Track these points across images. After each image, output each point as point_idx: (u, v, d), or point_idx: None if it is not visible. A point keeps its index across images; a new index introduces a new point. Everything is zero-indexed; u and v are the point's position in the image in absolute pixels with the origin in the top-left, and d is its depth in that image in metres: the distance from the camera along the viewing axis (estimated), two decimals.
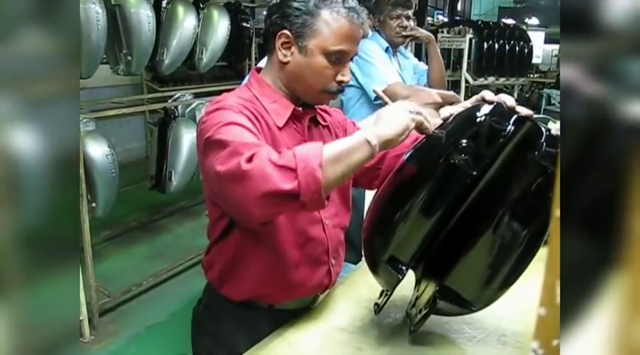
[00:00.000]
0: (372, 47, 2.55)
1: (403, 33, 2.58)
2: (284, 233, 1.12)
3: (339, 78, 1.15)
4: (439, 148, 0.94)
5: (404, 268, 0.99)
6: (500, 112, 0.95)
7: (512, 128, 0.92)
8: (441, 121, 1.05)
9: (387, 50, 2.59)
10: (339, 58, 1.12)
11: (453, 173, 0.90)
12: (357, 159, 0.92)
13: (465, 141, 0.90)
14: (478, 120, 0.95)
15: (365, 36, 1.10)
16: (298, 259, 1.16)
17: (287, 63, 1.15)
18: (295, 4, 1.11)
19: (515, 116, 0.94)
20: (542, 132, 0.94)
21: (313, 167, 0.87)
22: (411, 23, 2.61)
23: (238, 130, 0.98)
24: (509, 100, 0.99)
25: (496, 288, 0.99)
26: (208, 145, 0.98)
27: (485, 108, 0.96)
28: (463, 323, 1.11)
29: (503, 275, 0.97)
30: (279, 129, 1.14)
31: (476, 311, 1.02)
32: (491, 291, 0.99)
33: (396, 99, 2.48)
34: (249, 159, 0.89)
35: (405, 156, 1.06)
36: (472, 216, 0.95)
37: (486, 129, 0.92)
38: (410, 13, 2.59)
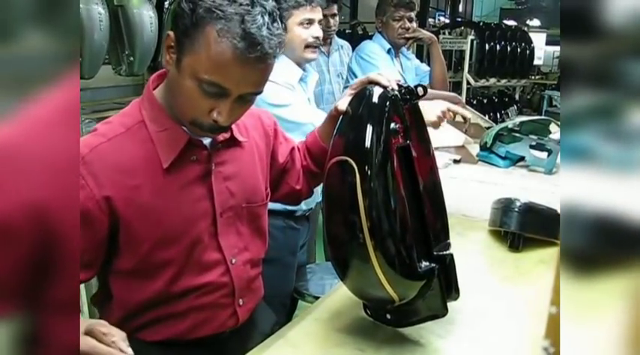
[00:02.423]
0: (374, 48, 2.57)
1: (406, 34, 2.59)
2: (170, 282, 1.00)
3: (214, 116, 0.90)
4: (379, 139, 0.95)
5: (427, 264, 0.97)
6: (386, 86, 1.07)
7: (406, 92, 1.07)
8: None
9: (389, 51, 2.60)
10: (213, 92, 0.88)
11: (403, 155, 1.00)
12: None
13: (393, 123, 0.98)
14: (390, 99, 1.02)
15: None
16: (187, 307, 1.03)
17: (168, 71, 0.95)
18: (184, 4, 0.87)
19: (396, 83, 1.07)
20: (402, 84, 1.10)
21: None
22: (414, 25, 2.62)
23: None
24: (375, 76, 1.07)
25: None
26: None
27: (378, 89, 1.04)
28: (464, 324, 1.11)
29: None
30: (166, 170, 0.95)
31: None
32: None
33: None
34: None
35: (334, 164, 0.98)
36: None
37: (397, 102, 1.03)
38: (412, 14, 2.61)
